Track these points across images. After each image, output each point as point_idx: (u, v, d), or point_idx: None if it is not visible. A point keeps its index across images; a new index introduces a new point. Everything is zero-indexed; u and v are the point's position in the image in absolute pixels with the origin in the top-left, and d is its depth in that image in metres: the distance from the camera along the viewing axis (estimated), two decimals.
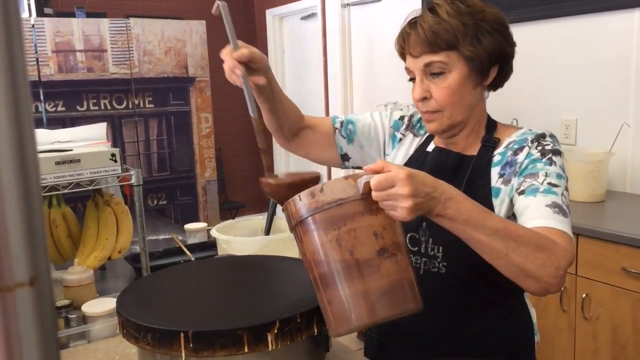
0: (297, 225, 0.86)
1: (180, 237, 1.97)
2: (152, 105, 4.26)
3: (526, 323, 1.18)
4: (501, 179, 1.10)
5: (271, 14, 5.17)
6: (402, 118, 1.31)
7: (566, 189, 1.05)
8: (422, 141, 1.26)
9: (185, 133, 4.41)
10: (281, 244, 1.36)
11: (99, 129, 1.78)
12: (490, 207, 1.07)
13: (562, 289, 2.06)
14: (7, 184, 0.27)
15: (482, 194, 1.09)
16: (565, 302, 2.11)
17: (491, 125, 1.18)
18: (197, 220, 4.24)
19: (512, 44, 1.13)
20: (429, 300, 0.89)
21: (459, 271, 1.10)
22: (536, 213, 0.99)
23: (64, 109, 3.93)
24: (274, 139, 1.33)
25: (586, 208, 2.29)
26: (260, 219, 1.51)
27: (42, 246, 0.28)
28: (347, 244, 0.82)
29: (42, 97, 3.83)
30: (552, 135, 1.12)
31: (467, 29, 1.05)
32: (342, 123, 1.31)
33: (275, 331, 0.84)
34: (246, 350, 0.83)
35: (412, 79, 1.13)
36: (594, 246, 2.01)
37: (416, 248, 1.14)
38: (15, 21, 0.28)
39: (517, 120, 2.77)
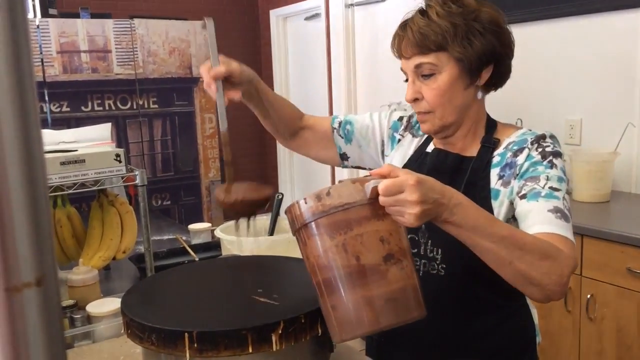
0: (300, 229, 0.85)
1: (184, 238, 1.98)
2: (156, 106, 4.27)
3: (527, 324, 1.18)
4: (500, 181, 1.09)
5: (275, 15, 5.17)
6: (400, 119, 1.32)
7: (567, 192, 1.05)
8: (421, 142, 1.26)
9: (189, 133, 4.41)
10: (285, 244, 1.36)
11: (104, 130, 1.78)
12: (490, 209, 1.07)
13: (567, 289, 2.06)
14: (15, 185, 0.27)
15: (482, 195, 1.09)
16: (570, 303, 2.11)
17: (491, 125, 1.17)
18: (201, 220, 4.24)
19: (507, 44, 1.11)
20: (429, 302, 0.88)
21: (458, 273, 1.10)
22: (538, 218, 0.99)
23: (68, 109, 3.94)
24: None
25: (591, 208, 2.28)
26: (264, 219, 1.51)
27: (49, 246, 0.28)
28: (353, 249, 0.81)
29: (46, 98, 3.84)
30: (552, 136, 1.11)
31: (457, 30, 1.05)
32: (340, 123, 1.34)
33: (280, 331, 0.84)
34: (250, 351, 0.83)
35: (407, 80, 1.14)
36: (599, 247, 2.00)
37: (415, 250, 1.14)
38: (22, 23, 0.28)
39: (521, 120, 2.77)
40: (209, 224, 2.09)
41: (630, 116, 2.45)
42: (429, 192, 0.82)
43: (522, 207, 1.03)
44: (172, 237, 2.26)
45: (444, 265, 1.11)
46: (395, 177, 0.83)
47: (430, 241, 1.12)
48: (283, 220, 1.48)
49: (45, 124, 3.74)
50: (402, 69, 1.14)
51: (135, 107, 4.18)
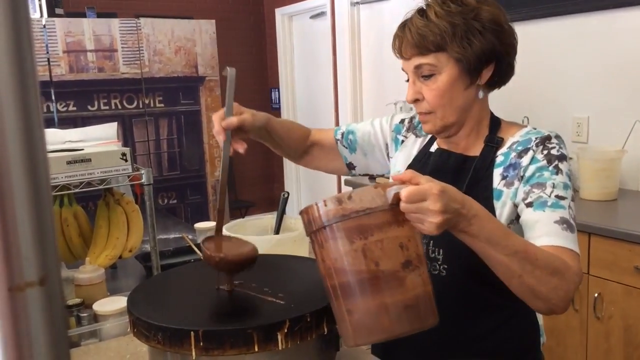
0: (317, 231, 0.84)
1: (190, 236, 1.98)
2: (162, 105, 4.28)
3: (531, 324, 1.17)
4: (504, 181, 1.09)
5: (280, 13, 5.17)
6: (402, 121, 1.33)
7: (572, 198, 1.05)
8: (425, 142, 1.26)
9: (195, 132, 4.42)
10: (291, 242, 1.36)
11: (110, 129, 1.79)
12: (492, 209, 1.06)
13: None
14: (18, 184, 0.27)
15: (484, 195, 1.08)
16: (578, 302, 2.10)
17: (495, 123, 1.16)
18: (207, 219, 4.25)
19: (508, 43, 1.10)
20: None
21: (460, 273, 1.09)
22: (545, 230, 1.00)
23: (75, 108, 3.96)
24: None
25: (598, 206, 2.27)
26: (269, 218, 1.51)
27: (52, 246, 0.28)
28: (373, 254, 0.81)
29: (53, 97, 3.86)
30: (557, 137, 1.10)
31: (455, 30, 1.04)
32: (343, 134, 1.37)
33: (286, 330, 0.84)
34: (256, 350, 0.83)
35: (408, 80, 1.14)
36: (606, 245, 1.99)
37: None
38: (25, 21, 0.28)
39: (528, 119, 2.76)
40: (215, 222, 2.08)
41: (638, 114, 2.43)
42: (451, 201, 0.82)
43: (529, 216, 1.03)
44: (178, 235, 2.27)
45: (446, 266, 1.10)
46: (416, 183, 0.83)
47: (431, 242, 1.12)
48: (288, 219, 1.48)
49: (51, 123, 3.76)
50: (403, 70, 1.14)
51: (141, 106, 4.19)
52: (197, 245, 1.83)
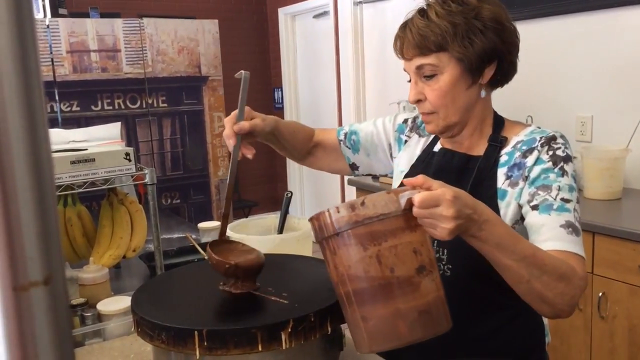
0: (330, 238, 0.83)
1: (194, 236, 1.98)
2: (165, 105, 4.28)
3: (535, 324, 1.17)
4: (508, 181, 1.08)
5: (283, 13, 5.17)
6: (405, 121, 1.33)
7: (577, 200, 1.05)
8: (428, 142, 1.26)
9: (198, 132, 4.43)
10: (294, 242, 1.36)
11: (113, 129, 1.79)
12: (496, 209, 1.06)
13: None
14: (22, 184, 0.27)
15: (488, 195, 1.08)
16: (582, 301, 2.09)
17: (498, 122, 1.16)
18: (210, 218, 4.26)
19: (509, 41, 1.09)
20: None
21: (464, 273, 1.09)
22: (551, 234, 1.00)
23: (78, 108, 3.96)
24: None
25: (602, 206, 2.26)
26: (273, 218, 1.51)
27: (57, 245, 0.28)
28: (387, 260, 0.80)
29: (57, 97, 3.87)
30: (562, 136, 1.10)
31: (456, 30, 1.04)
32: (345, 134, 1.37)
33: (289, 330, 0.84)
34: (260, 349, 0.83)
35: (410, 81, 1.14)
36: (611, 244, 1.98)
37: None
38: (29, 21, 0.28)
39: (531, 118, 2.75)
40: (219, 223, 2.09)
41: None
42: (463, 207, 0.82)
43: (534, 219, 1.03)
44: (181, 235, 2.27)
45: (450, 266, 1.10)
46: (428, 188, 0.83)
47: (435, 242, 1.11)
48: (292, 219, 1.48)
49: (55, 123, 3.77)
50: (404, 70, 1.14)
51: (144, 106, 4.20)
52: (201, 245, 1.83)
